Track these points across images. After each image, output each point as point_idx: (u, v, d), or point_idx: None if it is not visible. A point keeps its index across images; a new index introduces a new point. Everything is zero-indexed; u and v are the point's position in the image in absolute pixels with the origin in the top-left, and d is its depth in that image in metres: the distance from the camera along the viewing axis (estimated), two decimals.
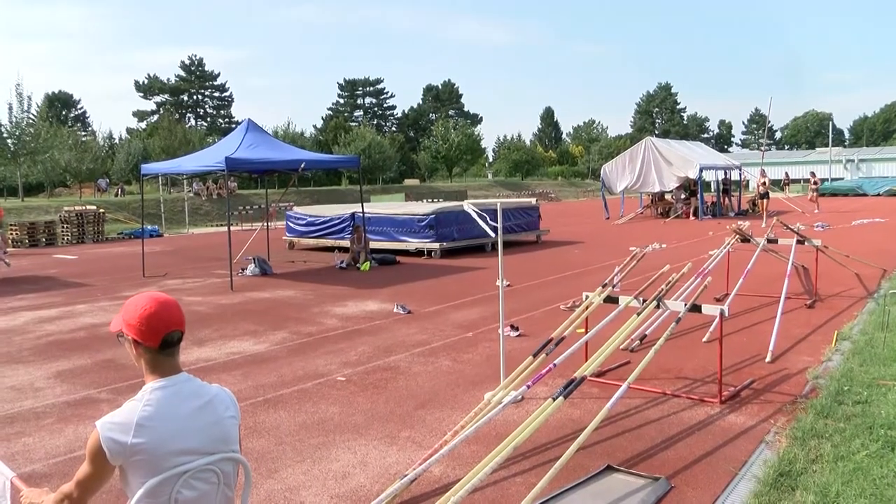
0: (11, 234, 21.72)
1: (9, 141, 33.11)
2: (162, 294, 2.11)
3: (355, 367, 6.65)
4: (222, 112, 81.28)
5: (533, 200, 20.27)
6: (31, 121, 34.78)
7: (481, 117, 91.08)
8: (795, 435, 4.52)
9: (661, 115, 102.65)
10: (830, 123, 73.08)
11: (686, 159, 27.47)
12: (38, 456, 4.65)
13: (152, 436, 1.95)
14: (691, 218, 26.60)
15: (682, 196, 27.80)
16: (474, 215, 5.79)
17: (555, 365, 4.97)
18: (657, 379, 5.93)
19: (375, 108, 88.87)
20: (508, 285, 10.74)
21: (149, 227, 25.11)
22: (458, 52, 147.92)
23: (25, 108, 33.97)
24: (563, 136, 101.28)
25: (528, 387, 5.05)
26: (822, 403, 5.03)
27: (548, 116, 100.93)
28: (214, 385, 2.20)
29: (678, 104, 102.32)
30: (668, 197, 28.94)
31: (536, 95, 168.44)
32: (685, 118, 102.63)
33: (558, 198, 53.85)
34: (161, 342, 2.04)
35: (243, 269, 13.70)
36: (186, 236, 25.97)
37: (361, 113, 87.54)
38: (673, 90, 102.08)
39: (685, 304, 5.58)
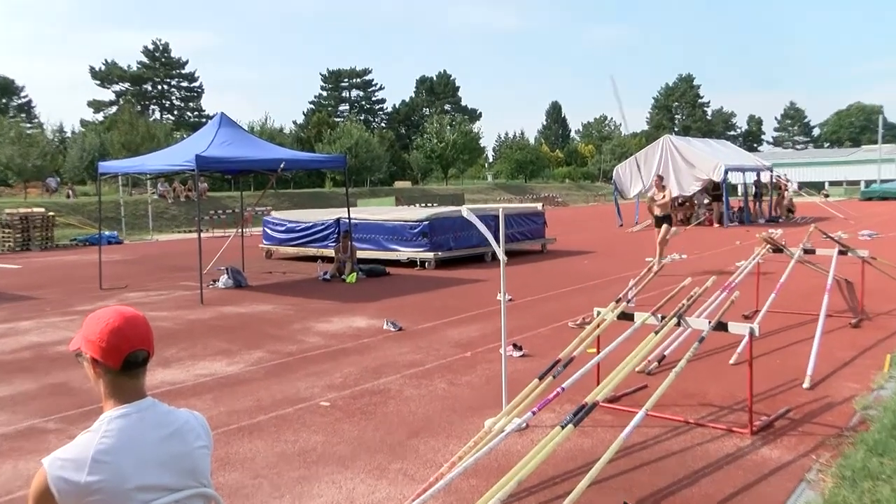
0: None
1: None
2: (129, 309, 2.10)
3: (341, 391, 6.64)
4: (191, 105, 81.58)
5: (538, 206, 20.34)
6: None
7: (480, 113, 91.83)
8: (844, 474, 4.41)
9: (681, 110, 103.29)
10: (881, 117, 70.49)
11: (709, 160, 27.60)
12: None
13: (111, 472, 1.92)
14: (715, 225, 26.73)
15: (705, 201, 27.92)
16: (477, 223, 5.78)
17: (563, 389, 4.97)
18: (678, 405, 5.93)
19: (363, 102, 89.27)
20: (511, 300, 10.75)
21: (106, 232, 25.06)
22: (454, 40, 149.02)
23: None
24: (572, 133, 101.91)
25: (534, 413, 5.04)
26: (874, 438, 4.91)
27: (554, 112, 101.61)
28: (183, 410, 2.18)
29: (701, 98, 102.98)
30: (689, 201, 29.06)
31: (542, 88, 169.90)
32: (709, 113, 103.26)
33: (566, 202, 54.06)
34: (123, 362, 2.02)
35: (215, 281, 13.68)
36: (150, 243, 25.92)
37: (347, 107, 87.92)
38: (695, 82, 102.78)
39: (709, 322, 5.59)
